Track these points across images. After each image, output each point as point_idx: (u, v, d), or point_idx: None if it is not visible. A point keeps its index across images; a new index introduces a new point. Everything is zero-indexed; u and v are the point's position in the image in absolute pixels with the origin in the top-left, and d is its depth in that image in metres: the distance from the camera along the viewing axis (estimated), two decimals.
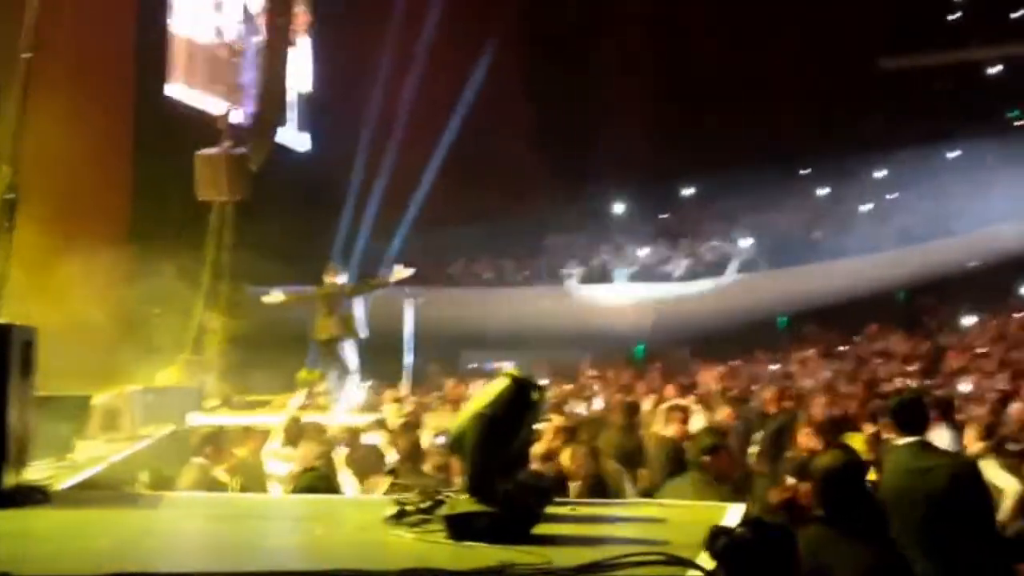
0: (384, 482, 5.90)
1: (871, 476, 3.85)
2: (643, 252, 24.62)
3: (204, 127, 14.09)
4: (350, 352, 10.88)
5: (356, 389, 11.16)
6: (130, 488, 5.67)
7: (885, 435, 6.36)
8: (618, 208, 27.11)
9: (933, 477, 4.25)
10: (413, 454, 6.22)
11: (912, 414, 4.60)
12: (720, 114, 29.96)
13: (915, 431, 4.47)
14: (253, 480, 6.82)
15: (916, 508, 4.16)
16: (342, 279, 11.11)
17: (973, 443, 6.48)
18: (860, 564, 3.30)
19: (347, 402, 10.90)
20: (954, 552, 4.04)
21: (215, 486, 6.12)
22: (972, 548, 3.94)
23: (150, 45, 17.13)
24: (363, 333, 10.95)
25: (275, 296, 11.26)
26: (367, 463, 6.95)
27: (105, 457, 6.93)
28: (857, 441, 3.95)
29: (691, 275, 23.23)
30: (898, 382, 13.94)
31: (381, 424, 8.63)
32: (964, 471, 4.38)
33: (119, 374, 10.85)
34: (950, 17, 37.02)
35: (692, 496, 4.90)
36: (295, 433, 7.80)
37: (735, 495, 5.22)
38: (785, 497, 3.59)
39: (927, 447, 4.51)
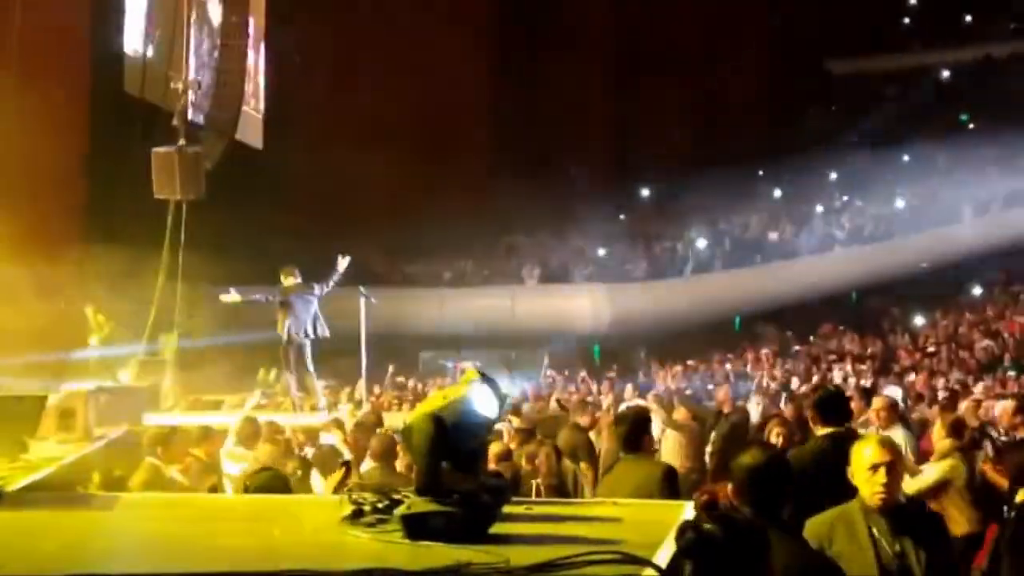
0: (338, 474, 5.89)
1: (879, 480, 3.67)
2: (601, 252, 24.74)
3: (161, 124, 13.94)
4: (309, 352, 10.84)
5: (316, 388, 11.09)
6: (83, 489, 5.60)
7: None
8: (577, 209, 27.22)
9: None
10: (386, 454, 6.20)
11: (834, 406, 5.13)
12: (676, 117, 30.21)
13: (836, 422, 5.02)
14: (207, 480, 6.76)
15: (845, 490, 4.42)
16: (298, 280, 11.04)
17: (940, 440, 6.60)
18: (787, 561, 3.26)
19: (320, 402, 10.84)
20: None
21: (168, 486, 6.06)
22: None
23: (105, 43, 16.91)
24: (324, 332, 10.90)
25: (233, 296, 11.15)
26: (329, 463, 6.94)
27: (59, 458, 6.83)
28: (871, 442, 3.89)
29: (648, 275, 23.38)
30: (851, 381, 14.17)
31: (338, 424, 8.60)
32: None
33: (74, 373, 10.71)
34: (903, 22, 37.69)
35: (638, 475, 4.92)
36: (250, 433, 7.74)
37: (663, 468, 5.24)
38: (704, 499, 3.54)
39: (844, 437, 4.87)
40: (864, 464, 3.70)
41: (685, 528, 2.52)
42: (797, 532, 3.47)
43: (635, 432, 5.09)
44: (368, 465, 6.42)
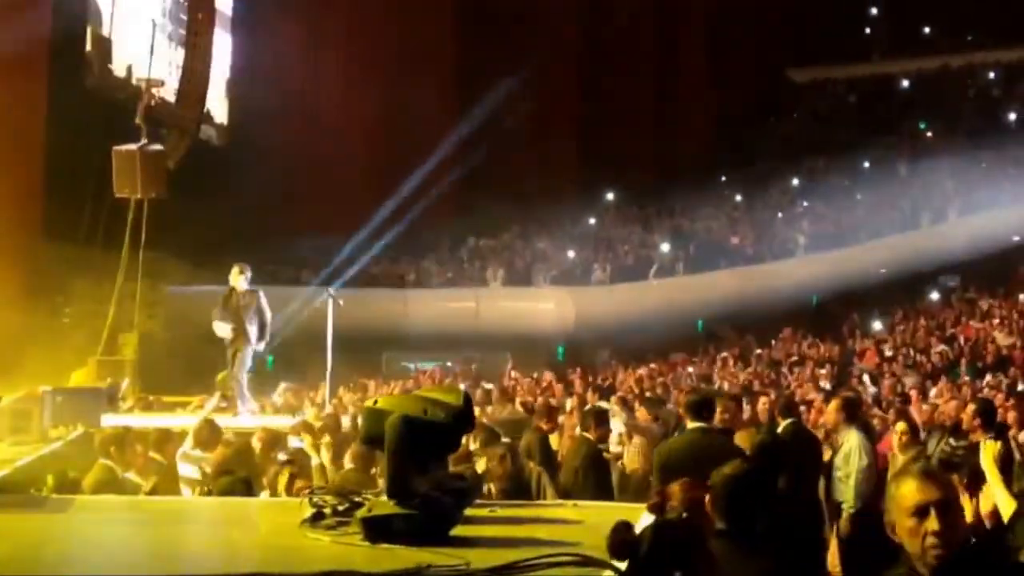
0: (283, 478, 5.84)
1: (931, 528, 2.77)
2: (565, 255, 24.81)
3: (122, 121, 13.77)
4: (246, 358, 10.30)
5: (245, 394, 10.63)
6: (37, 491, 5.51)
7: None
8: (541, 212, 27.28)
9: (711, 454, 5.34)
10: (364, 457, 6.16)
11: (702, 407, 5.99)
12: (641, 123, 30.40)
13: (703, 420, 5.90)
14: (164, 482, 6.68)
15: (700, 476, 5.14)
16: (244, 283, 10.27)
17: (901, 451, 6.68)
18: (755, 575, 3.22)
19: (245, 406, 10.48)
20: None
21: (122, 488, 5.97)
22: None
23: (67, 37, 16.67)
24: (259, 343, 10.38)
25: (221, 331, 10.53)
26: (304, 467, 6.88)
27: (13, 460, 6.74)
28: (910, 478, 3.09)
29: (612, 278, 23.48)
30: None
31: (307, 427, 8.49)
32: (735, 451, 5.62)
33: (29, 374, 10.54)
34: (864, 33, 38.27)
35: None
36: (208, 436, 7.65)
37: None
38: (655, 502, 3.50)
39: (708, 432, 5.90)
40: (906, 508, 2.62)
41: (620, 537, 2.52)
42: (768, 547, 3.41)
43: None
44: (346, 467, 6.38)
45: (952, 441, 6.60)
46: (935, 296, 23.83)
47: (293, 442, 7.98)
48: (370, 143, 24.36)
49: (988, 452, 4.42)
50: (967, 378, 14.93)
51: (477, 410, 8.84)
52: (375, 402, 3.21)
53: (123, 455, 6.36)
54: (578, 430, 8.05)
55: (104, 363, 11.82)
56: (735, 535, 3.29)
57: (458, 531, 2.98)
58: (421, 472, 2.99)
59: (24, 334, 12.65)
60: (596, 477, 6.61)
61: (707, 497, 3.39)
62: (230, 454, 6.88)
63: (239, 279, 10.19)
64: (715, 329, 23.02)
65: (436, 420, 3.03)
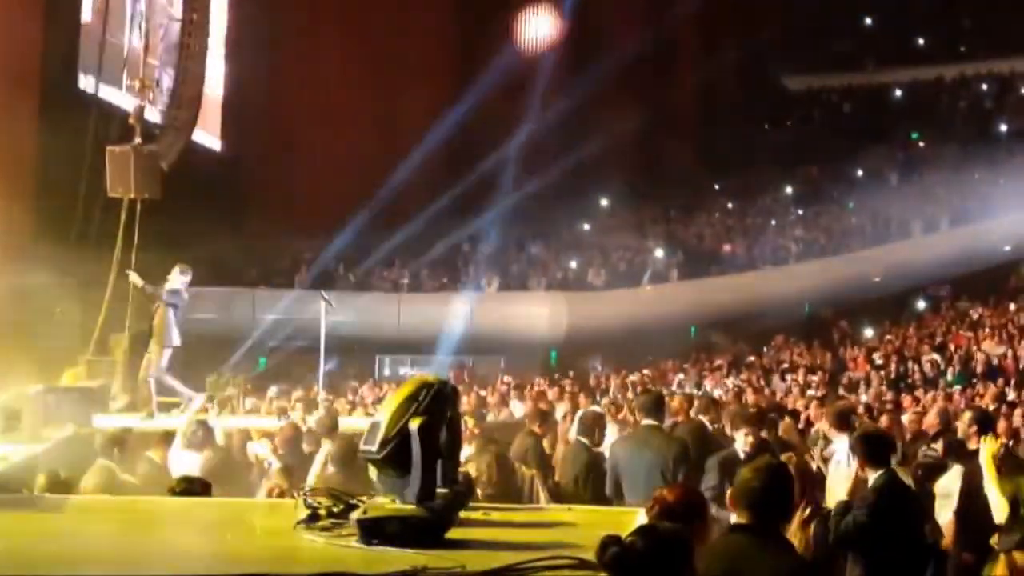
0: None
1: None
2: (559, 261, 24.82)
3: (116, 122, 13.76)
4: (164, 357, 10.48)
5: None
6: (28, 491, 5.49)
7: None
8: (535, 218, 27.28)
9: (657, 449, 6.15)
10: (347, 458, 6.17)
11: (654, 406, 6.47)
12: (636, 129, 30.42)
13: (653, 418, 6.36)
14: (158, 483, 6.67)
15: (642, 469, 6.12)
16: (183, 281, 10.56)
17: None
18: (778, 571, 3.23)
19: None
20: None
21: (121, 490, 5.96)
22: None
23: (61, 37, 16.65)
24: (175, 341, 10.51)
25: (135, 277, 10.77)
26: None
27: (4, 459, 6.72)
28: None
29: (606, 284, 23.50)
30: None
31: (291, 429, 8.47)
32: (677, 447, 6.22)
33: (21, 374, 10.51)
34: (858, 43, 38.44)
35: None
36: (199, 436, 7.63)
37: None
38: (652, 506, 3.48)
39: (656, 429, 6.42)
40: None
41: (607, 543, 2.48)
42: (788, 543, 3.39)
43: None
44: (328, 470, 6.37)
45: (929, 449, 6.72)
46: (926, 305, 23.91)
47: (254, 447, 7.93)
48: (365, 147, 24.34)
49: (988, 450, 4.44)
50: (958, 387, 14.99)
51: (473, 421, 8.87)
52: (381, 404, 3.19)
53: (124, 456, 6.36)
54: (573, 435, 8.06)
55: (95, 363, 11.80)
56: (759, 529, 3.29)
57: (453, 534, 2.97)
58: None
59: (15, 333, 12.61)
60: (594, 483, 6.61)
61: (729, 491, 3.37)
62: (221, 456, 6.88)
63: (179, 279, 10.35)
64: (708, 336, 23.06)
65: (442, 423, 3.04)
